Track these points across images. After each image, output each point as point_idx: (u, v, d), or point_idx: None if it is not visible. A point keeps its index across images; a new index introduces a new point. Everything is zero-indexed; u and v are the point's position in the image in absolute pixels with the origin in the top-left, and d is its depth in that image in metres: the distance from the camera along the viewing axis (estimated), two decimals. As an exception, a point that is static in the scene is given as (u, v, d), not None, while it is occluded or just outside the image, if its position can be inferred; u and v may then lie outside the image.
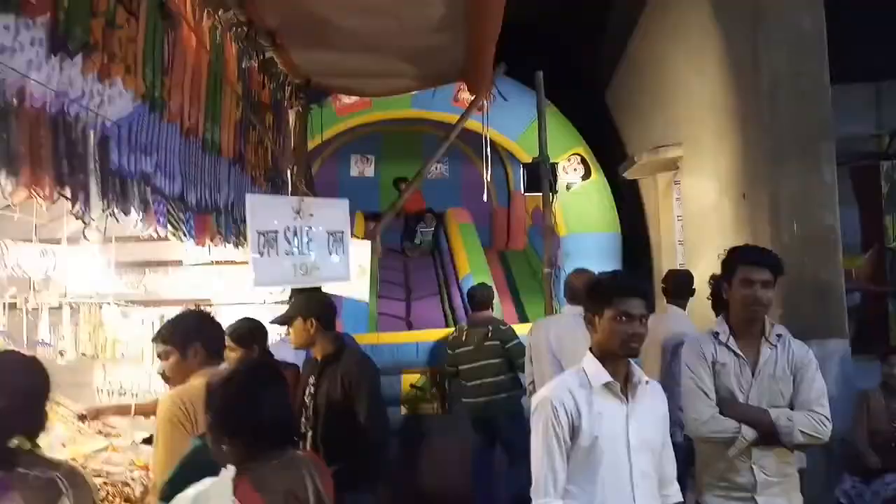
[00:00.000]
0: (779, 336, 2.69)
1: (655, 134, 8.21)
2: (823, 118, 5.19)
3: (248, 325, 3.69)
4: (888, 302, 7.03)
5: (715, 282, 3.78)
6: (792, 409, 2.61)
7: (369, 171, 10.58)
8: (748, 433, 2.56)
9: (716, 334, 2.72)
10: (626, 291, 2.22)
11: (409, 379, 6.53)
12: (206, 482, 1.77)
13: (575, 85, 10.57)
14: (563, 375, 2.35)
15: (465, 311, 7.63)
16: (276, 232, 2.77)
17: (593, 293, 2.30)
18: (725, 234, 6.06)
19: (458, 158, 9.97)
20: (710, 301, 3.78)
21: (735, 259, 2.72)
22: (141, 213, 2.31)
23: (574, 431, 2.18)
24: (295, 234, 2.86)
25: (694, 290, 4.73)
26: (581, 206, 7.58)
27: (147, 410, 3.59)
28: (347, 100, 7.66)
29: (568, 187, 7.35)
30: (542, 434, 2.22)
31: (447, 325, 7.39)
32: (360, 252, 4.05)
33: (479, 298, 5.41)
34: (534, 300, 7.86)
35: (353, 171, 10.46)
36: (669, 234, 8.01)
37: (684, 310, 4.66)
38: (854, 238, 7.47)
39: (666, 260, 8.12)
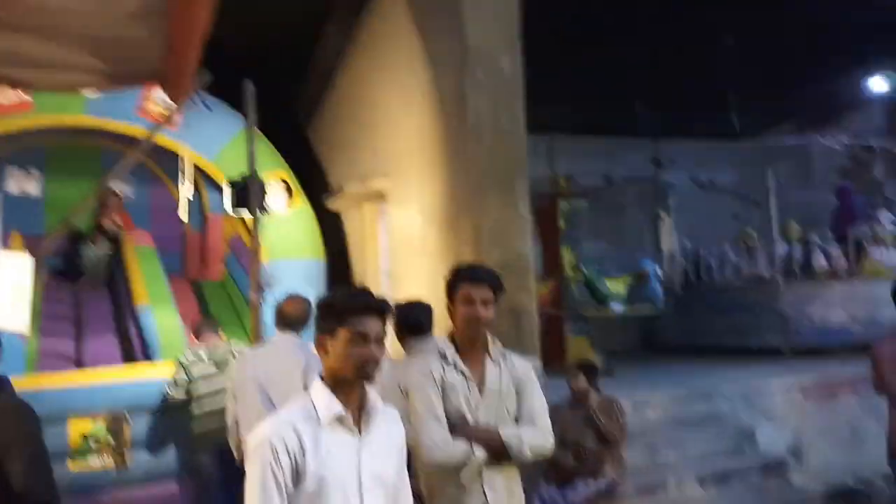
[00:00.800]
0: (501, 352, 2.69)
1: (363, 166, 8.28)
2: (521, 156, 5.60)
3: None
4: (565, 324, 7.83)
5: (398, 310, 3.69)
6: (516, 422, 2.60)
7: (33, 189, 9.00)
8: (480, 454, 2.50)
9: (443, 355, 2.63)
10: (362, 309, 1.99)
11: (80, 427, 5.53)
12: None
13: (279, 115, 10.31)
14: (288, 409, 2.03)
15: (144, 346, 6.82)
16: None
17: (326, 312, 2.03)
18: (431, 261, 6.23)
19: (146, 179, 8.98)
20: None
21: (457, 277, 2.67)
22: None
23: (298, 475, 1.88)
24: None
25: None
26: (284, 232, 7.23)
27: None
28: (1, 98, 6.45)
29: (270, 212, 6.99)
30: (259, 480, 1.87)
31: (126, 362, 6.51)
32: (16, 269, 3.27)
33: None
34: (234, 333, 7.29)
35: (12, 188, 8.82)
36: (375, 262, 8.08)
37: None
38: (537, 268, 8.25)
39: (372, 289, 8.15)
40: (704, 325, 9.19)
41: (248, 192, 4.62)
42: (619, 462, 4.69)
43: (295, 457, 1.89)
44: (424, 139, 6.47)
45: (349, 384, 1.99)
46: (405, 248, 7.08)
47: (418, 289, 5.61)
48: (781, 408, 6.30)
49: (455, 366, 2.60)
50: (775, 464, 5.58)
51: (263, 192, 4.84)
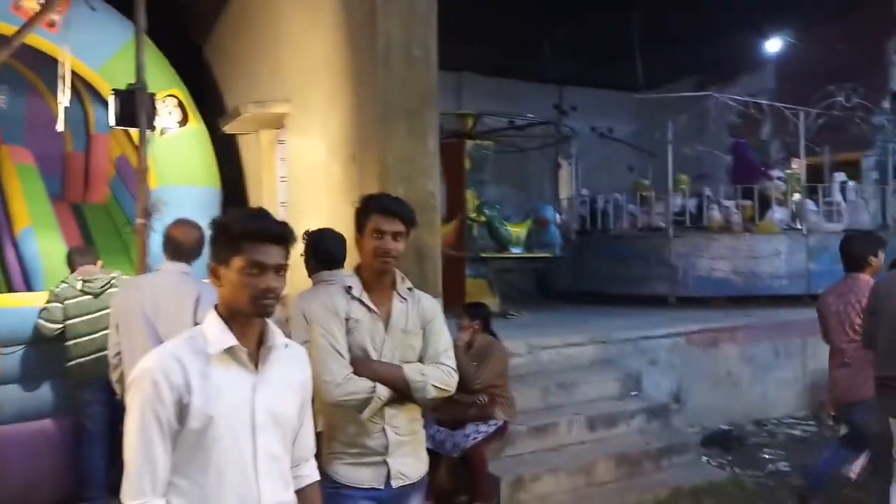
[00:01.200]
0: (409, 289, 2.56)
1: (261, 88, 7.78)
2: (431, 87, 5.37)
3: None
4: (465, 267, 7.80)
5: (309, 239, 3.55)
6: (421, 362, 2.50)
7: None
8: (383, 392, 2.38)
9: (348, 288, 2.47)
10: (260, 236, 1.78)
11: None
12: None
13: (171, 28, 9.58)
14: (174, 341, 1.82)
15: (24, 273, 6.28)
16: None
17: (219, 236, 1.81)
18: (333, 196, 5.97)
19: (22, 87, 8.09)
20: (302, 259, 3.50)
21: (367, 208, 2.50)
22: None
23: (182, 412, 1.70)
24: None
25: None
26: (177, 156, 6.70)
27: None
28: None
29: (162, 132, 6.45)
30: (139, 417, 1.69)
31: (5, 291, 5.98)
32: None
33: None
34: (118, 261, 6.81)
35: None
36: (272, 194, 7.71)
37: None
38: (441, 209, 8.14)
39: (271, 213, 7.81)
40: (598, 273, 9.44)
41: (134, 105, 4.18)
42: (510, 404, 4.73)
43: (179, 392, 1.70)
44: (330, 62, 6.11)
45: (245, 317, 1.80)
46: (306, 181, 6.75)
47: (319, 224, 5.36)
48: (666, 355, 6.55)
49: (361, 301, 2.45)
50: (659, 408, 5.81)
51: (153, 106, 4.40)
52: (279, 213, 7.58)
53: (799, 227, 8.95)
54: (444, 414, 4.49)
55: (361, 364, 2.39)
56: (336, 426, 2.44)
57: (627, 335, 6.42)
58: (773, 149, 11.03)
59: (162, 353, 1.77)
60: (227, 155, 8.88)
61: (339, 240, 3.57)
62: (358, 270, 2.52)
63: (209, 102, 9.31)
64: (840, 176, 9.67)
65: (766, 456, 5.97)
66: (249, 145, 8.41)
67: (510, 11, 10.49)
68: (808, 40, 11.93)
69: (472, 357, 4.60)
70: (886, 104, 10.54)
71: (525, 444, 5.09)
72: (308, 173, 6.66)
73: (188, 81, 7.87)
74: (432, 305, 2.59)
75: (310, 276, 3.57)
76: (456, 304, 7.40)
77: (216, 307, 1.84)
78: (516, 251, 8.13)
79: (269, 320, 1.88)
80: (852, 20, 10.80)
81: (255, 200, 8.25)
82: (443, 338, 2.55)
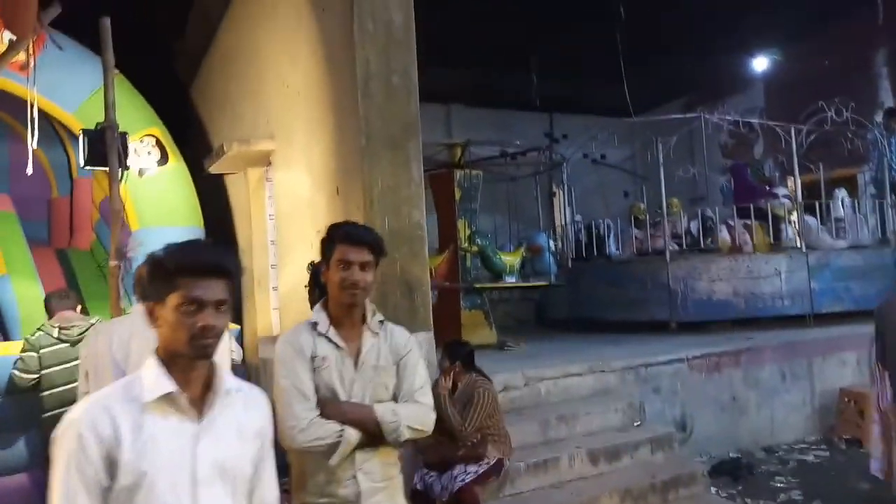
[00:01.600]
0: (381, 322, 2.38)
1: (245, 126, 7.71)
2: (413, 115, 5.26)
3: None
4: (461, 299, 7.61)
5: (314, 269, 3.41)
6: (395, 401, 2.31)
7: None
8: (352, 435, 2.19)
9: (314, 324, 2.30)
10: (196, 269, 1.62)
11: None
12: None
13: (155, 71, 9.57)
14: (108, 388, 1.66)
15: (1, 321, 6.13)
16: None
17: (153, 274, 1.65)
18: (320, 230, 5.82)
19: (3, 133, 8.01)
20: (307, 291, 3.37)
21: (333, 237, 2.34)
22: None
23: (112, 467, 1.53)
24: None
25: None
26: (157, 196, 6.57)
27: None
28: None
29: (141, 173, 6.32)
30: (62, 475, 1.52)
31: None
32: None
33: None
34: (103, 306, 6.64)
35: None
36: (262, 233, 7.57)
37: None
38: (433, 240, 7.99)
39: (258, 261, 7.67)
40: (595, 299, 9.24)
41: (104, 144, 4.05)
42: (504, 441, 4.51)
43: (108, 446, 1.53)
44: (311, 96, 6.02)
45: (185, 360, 1.63)
46: (293, 216, 6.62)
47: (308, 260, 5.21)
48: (669, 382, 6.33)
49: (328, 337, 2.27)
50: (663, 437, 5.58)
51: (124, 144, 4.26)
52: (269, 252, 7.44)
53: (799, 245, 8.78)
54: (432, 456, 4.28)
55: (329, 405, 2.21)
56: (304, 474, 2.25)
57: (628, 363, 6.21)
58: (766, 168, 10.90)
59: (90, 402, 1.60)
60: (215, 195, 8.77)
61: None
62: (325, 305, 2.35)
63: (196, 143, 9.24)
64: (841, 192, 9.54)
65: (779, 484, 5.72)
66: (237, 185, 8.30)
67: (496, 40, 10.48)
68: (795, 57, 11.90)
69: (457, 400, 4.37)
70: (878, 118, 10.45)
71: (525, 481, 4.85)
72: (294, 208, 6.53)
73: (176, 123, 7.80)
74: (406, 339, 2.41)
75: (311, 308, 3.42)
76: (453, 336, 7.23)
77: (156, 350, 1.67)
78: (510, 280, 7.95)
79: (216, 361, 1.70)
80: (837, 33, 10.76)
81: (244, 240, 8.11)
82: (418, 373, 2.37)
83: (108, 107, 4.04)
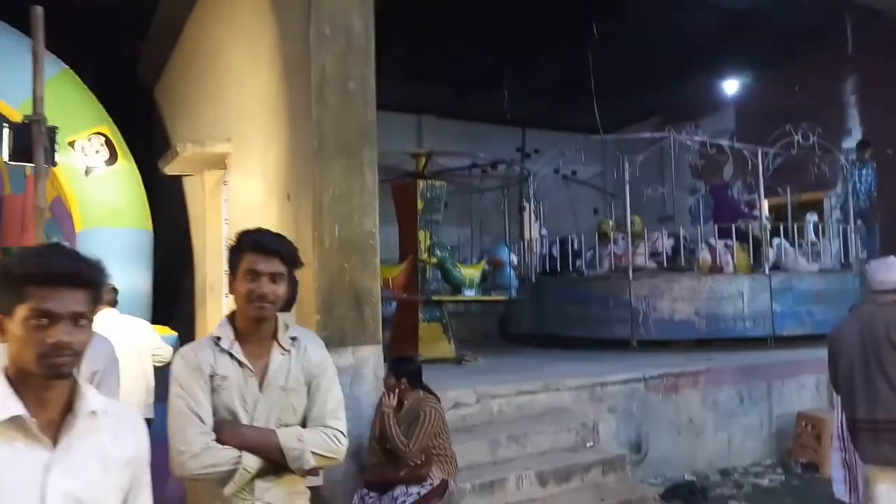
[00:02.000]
0: (293, 339, 2.21)
1: (204, 128, 7.53)
2: (369, 123, 5.12)
3: None
4: (419, 310, 7.45)
5: None
6: (304, 425, 2.15)
7: None
8: (251, 462, 2.02)
9: (217, 339, 2.13)
10: (47, 277, 1.44)
11: None
12: None
13: (115, 70, 9.37)
14: None
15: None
16: None
17: (1, 283, 1.47)
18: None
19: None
20: None
21: (241, 246, 2.16)
22: None
23: None
24: None
25: None
26: (104, 196, 6.34)
27: None
28: None
29: (87, 172, 6.10)
30: None
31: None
32: None
33: None
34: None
35: None
36: (217, 237, 7.37)
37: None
38: (393, 251, 7.83)
39: (213, 266, 7.47)
40: (558, 316, 9.12)
41: (30, 138, 3.84)
42: (449, 461, 4.35)
43: None
44: (269, 99, 5.86)
45: (38, 379, 1.45)
46: (245, 221, 6.38)
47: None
48: (624, 402, 6.22)
49: (231, 354, 2.10)
50: (616, 459, 5.46)
51: (52, 138, 4.05)
52: (223, 258, 7.24)
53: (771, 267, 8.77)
54: (373, 476, 4.11)
55: (226, 429, 2.03)
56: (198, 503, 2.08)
57: (583, 381, 6.08)
58: (735, 189, 10.91)
59: None
60: (171, 197, 8.55)
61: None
62: (232, 318, 2.18)
63: (158, 145, 9.03)
64: (813, 216, 9.57)
65: (732, 509, 5.62)
66: (194, 187, 8.09)
67: (470, 55, 10.39)
68: (767, 82, 11.97)
69: (403, 418, 4.21)
70: (845, 144, 10.51)
71: (470, 503, 4.70)
72: (247, 214, 6.34)
73: (138, 124, 7.59)
74: (321, 358, 2.24)
75: None
76: (410, 349, 7.07)
77: (5, 368, 1.49)
78: (470, 293, 7.81)
79: (80, 381, 1.53)
80: (810, 62, 10.84)
81: (198, 243, 7.91)
82: (331, 396, 2.20)
83: (37, 100, 3.84)
